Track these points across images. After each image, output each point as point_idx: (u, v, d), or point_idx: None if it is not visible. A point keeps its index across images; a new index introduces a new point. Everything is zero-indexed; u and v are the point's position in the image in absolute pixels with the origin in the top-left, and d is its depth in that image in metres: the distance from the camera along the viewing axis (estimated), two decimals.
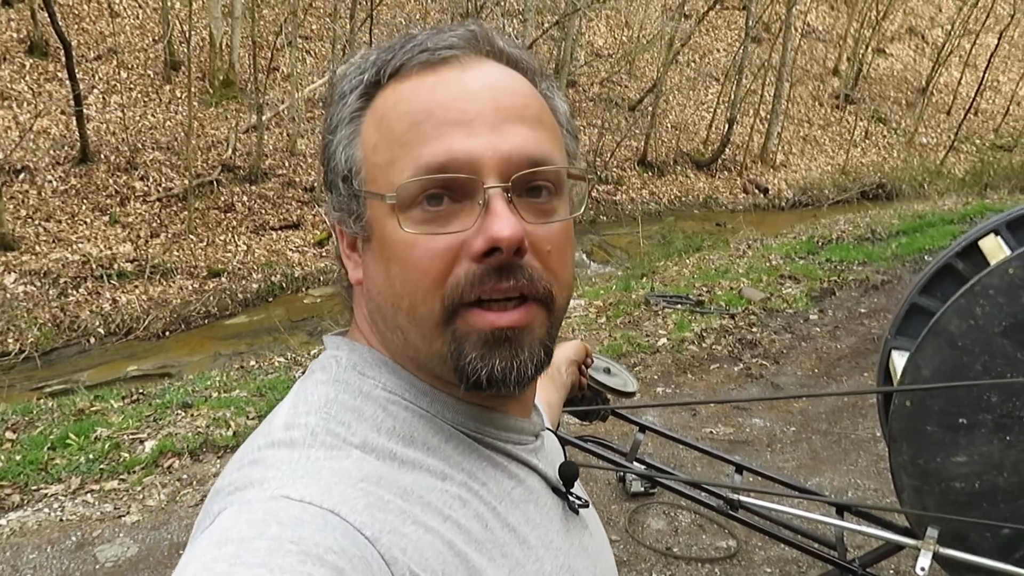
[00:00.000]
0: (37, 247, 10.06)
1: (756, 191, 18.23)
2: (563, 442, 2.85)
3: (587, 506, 0.73)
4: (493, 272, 0.56)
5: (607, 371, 2.36)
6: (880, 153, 21.54)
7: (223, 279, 10.41)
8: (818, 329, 6.66)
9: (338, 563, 0.45)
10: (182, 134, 12.15)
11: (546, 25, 16.81)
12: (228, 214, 11.81)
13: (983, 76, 22.89)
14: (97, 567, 3.36)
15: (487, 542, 0.57)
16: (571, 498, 0.71)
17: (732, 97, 18.48)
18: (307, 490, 0.51)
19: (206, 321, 9.79)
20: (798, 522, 3.10)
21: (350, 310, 0.70)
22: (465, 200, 0.57)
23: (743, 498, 2.62)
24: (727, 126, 18.18)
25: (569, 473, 0.71)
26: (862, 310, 7.17)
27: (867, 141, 21.89)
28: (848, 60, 23.94)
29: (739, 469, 3.01)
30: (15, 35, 13.25)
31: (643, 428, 3.06)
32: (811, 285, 7.79)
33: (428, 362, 0.61)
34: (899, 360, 2.55)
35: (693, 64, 21.86)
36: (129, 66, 13.85)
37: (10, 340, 8.52)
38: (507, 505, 0.61)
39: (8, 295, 9.19)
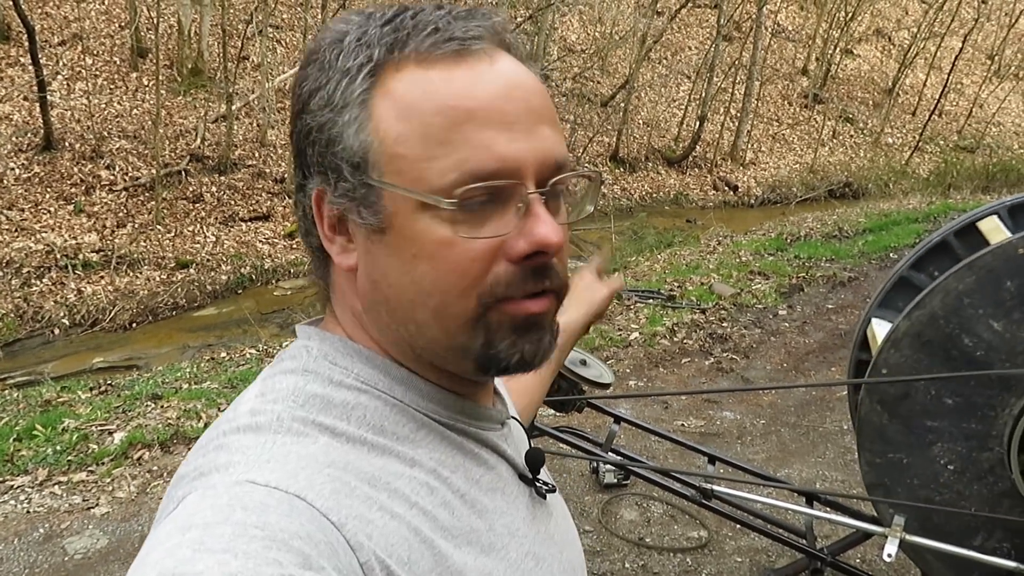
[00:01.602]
0: None
1: (726, 188, 18.41)
2: (539, 432, 2.88)
3: (554, 491, 0.73)
4: (531, 273, 0.58)
5: (583, 363, 2.38)
6: (847, 152, 21.88)
7: (191, 270, 10.27)
8: (787, 324, 6.76)
9: (304, 548, 0.45)
10: (149, 123, 11.95)
11: (519, 19, 16.80)
12: (197, 204, 11.65)
13: (947, 78, 23.35)
14: (66, 559, 3.31)
15: (454, 529, 0.57)
16: (538, 484, 0.71)
17: (703, 95, 18.64)
18: (273, 475, 0.50)
19: (174, 313, 9.65)
20: (769, 511, 3.16)
21: (325, 298, 0.67)
22: (501, 203, 0.57)
23: (715, 487, 2.66)
24: (698, 123, 18.34)
25: (535, 459, 0.71)
26: (830, 306, 7.29)
27: (835, 140, 22.21)
28: (817, 60, 24.26)
29: (712, 460, 3.06)
30: None
31: (618, 419, 3.10)
32: (780, 281, 7.91)
33: (442, 353, 0.60)
34: (879, 329, 2.61)
35: (665, 61, 22.00)
36: (95, 52, 13.57)
37: None
38: (475, 492, 0.62)
39: None
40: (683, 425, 4.75)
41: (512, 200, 0.57)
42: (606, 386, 2.51)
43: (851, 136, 22.81)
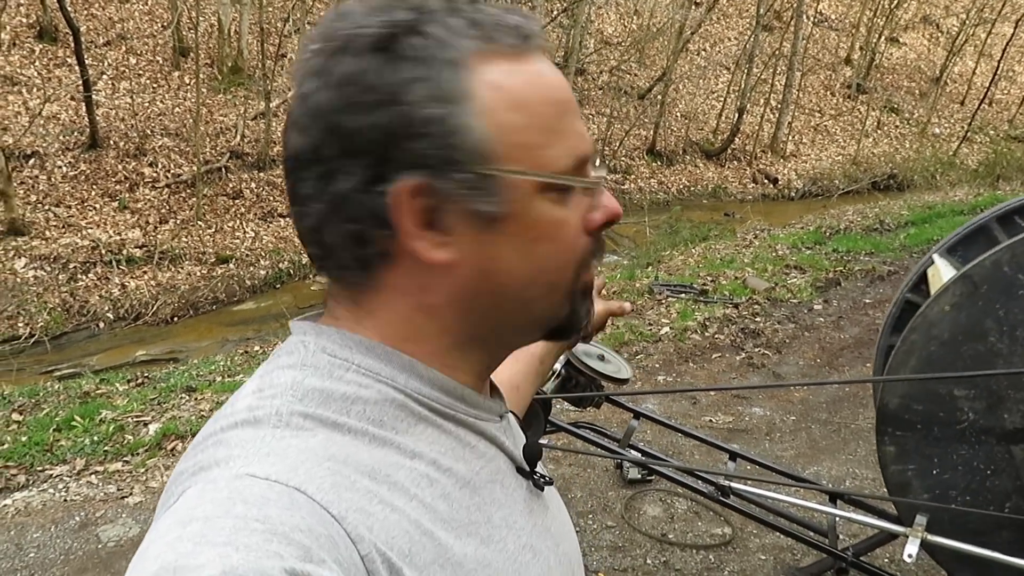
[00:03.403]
0: (47, 232, 10.15)
1: (765, 181, 18.16)
2: (557, 428, 2.86)
3: (551, 483, 0.74)
4: (599, 244, 0.67)
5: (601, 358, 2.36)
6: (892, 143, 21.40)
7: (231, 265, 10.48)
8: (822, 319, 6.65)
9: (304, 541, 0.45)
10: (191, 120, 12.19)
11: (555, 12, 16.74)
12: (236, 201, 11.86)
13: (998, 66, 22.69)
14: (99, 546, 3.41)
15: (453, 520, 0.57)
16: (535, 477, 0.71)
17: (742, 86, 18.38)
18: (273, 468, 0.50)
19: (214, 307, 9.86)
20: (793, 510, 3.12)
21: (350, 297, 0.64)
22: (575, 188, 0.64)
23: (734, 485, 2.64)
24: (737, 115, 18.10)
25: (533, 453, 0.71)
26: (867, 300, 7.15)
27: (879, 131, 21.74)
28: (861, 49, 23.74)
29: (733, 456, 3.03)
30: (24, 20, 13.31)
31: (637, 415, 3.08)
32: (816, 275, 7.78)
33: (529, 325, 0.67)
34: (945, 271, 2.57)
35: (703, 53, 21.74)
36: (138, 52, 13.89)
37: (20, 324, 8.62)
38: (474, 484, 0.62)
39: (19, 279, 9.28)
40: (711, 421, 4.71)
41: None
42: (624, 381, 2.48)
43: (896, 127, 22.30)
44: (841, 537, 3.08)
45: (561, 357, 2.20)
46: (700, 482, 2.73)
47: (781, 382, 5.31)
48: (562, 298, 0.65)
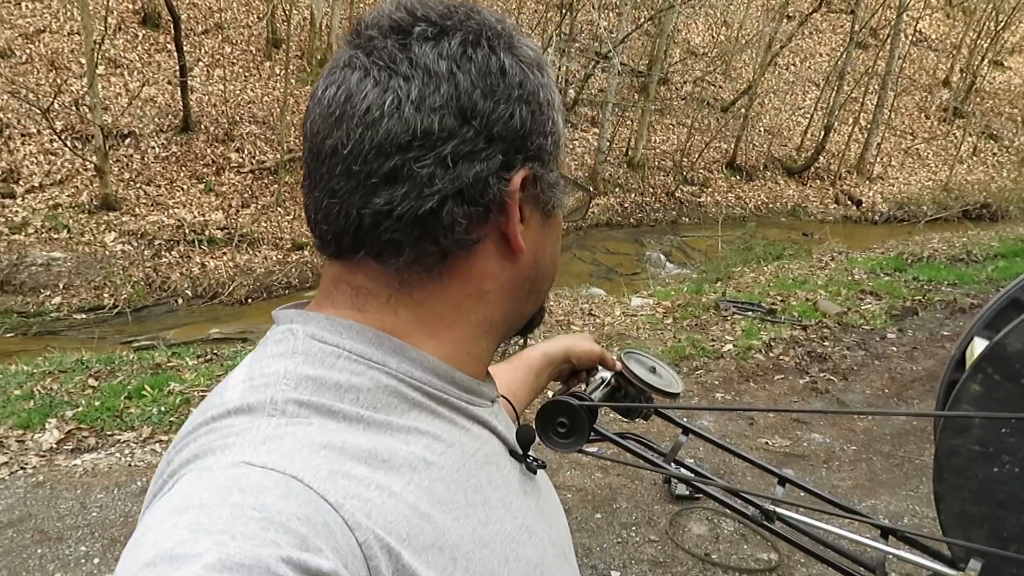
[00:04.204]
0: (137, 209, 10.62)
1: (848, 203, 17.61)
2: (601, 437, 2.87)
3: (543, 466, 0.74)
4: None
5: (652, 370, 2.34)
6: (988, 171, 20.46)
7: (305, 252, 10.75)
8: (894, 348, 6.41)
9: (301, 530, 0.45)
10: (277, 110, 12.57)
11: (641, 20, 16.62)
12: None
13: None
14: None
15: (451, 502, 0.58)
16: (528, 460, 0.72)
17: (831, 103, 17.87)
18: (269, 456, 0.50)
19: (286, 291, 10.14)
20: (842, 543, 3.02)
21: (397, 284, 0.62)
22: None
23: (779, 510, 2.57)
24: (823, 133, 17.60)
25: (526, 437, 0.72)
26: (945, 332, 6.86)
27: (974, 158, 20.82)
28: (961, 71, 22.79)
29: (782, 481, 2.96)
30: (131, 6, 13.97)
31: (686, 431, 3.04)
32: (893, 303, 7.50)
33: (531, 313, 0.72)
34: (980, 348, 2.44)
35: (792, 67, 21.23)
36: (233, 41, 14.41)
37: (105, 295, 9.05)
38: (470, 467, 0.62)
39: (108, 252, 9.75)
40: (767, 443, 4.60)
41: None
42: (675, 395, 2.46)
43: (994, 154, 21.32)
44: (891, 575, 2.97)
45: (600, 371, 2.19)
46: (746, 505, 2.68)
47: (844, 409, 5.14)
48: (545, 293, 0.73)
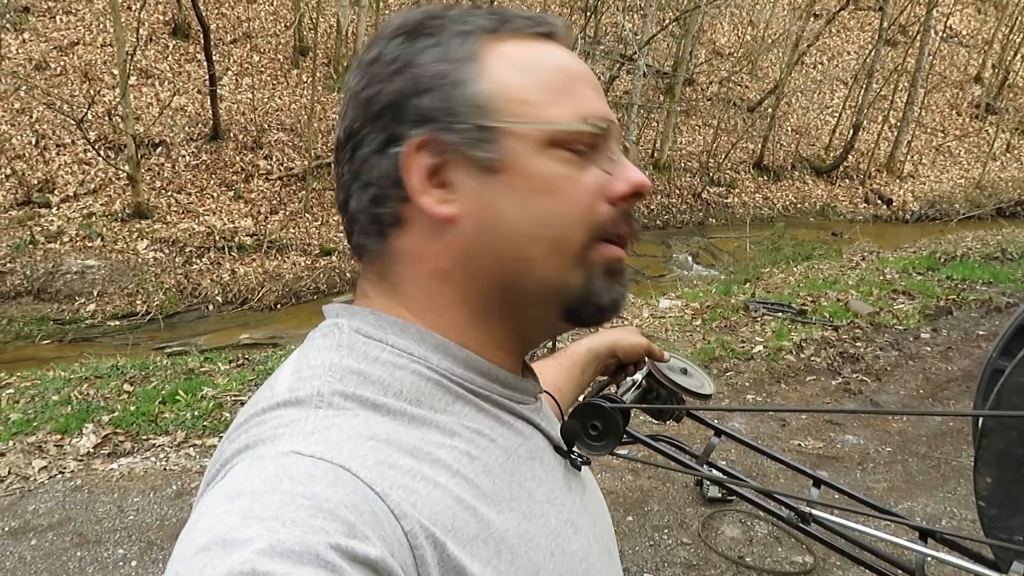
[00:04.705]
0: (168, 217, 10.78)
1: (879, 202, 17.38)
2: (633, 439, 2.85)
3: (588, 463, 0.75)
4: (624, 216, 0.65)
5: (684, 372, 2.33)
6: (1022, 168, 20.08)
7: (333, 258, 10.84)
8: (928, 349, 6.31)
9: (349, 518, 0.46)
10: (305, 117, 12.70)
11: (666, 20, 16.55)
12: None
13: None
14: None
15: (495, 496, 0.58)
16: (573, 456, 0.72)
17: (859, 102, 17.65)
18: (318, 446, 0.51)
19: (315, 297, 10.22)
20: (880, 545, 2.98)
21: (376, 272, 0.66)
22: (594, 154, 0.64)
23: (814, 512, 2.54)
24: (852, 132, 17.39)
25: (571, 433, 0.72)
26: (980, 332, 6.74)
27: (1008, 155, 20.46)
28: (993, 67, 22.41)
29: (817, 483, 2.93)
30: (161, 17, 14.20)
31: (719, 432, 3.02)
32: (926, 302, 7.39)
33: (540, 292, 0.64)
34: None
35: (820, 66, 21.01)
36: (261, 50, 14.58)
37: (138, 302, 9.20)
38: (514, 461, 0.63)
39: (140, 260, 9.91)
40: (800, 445, 4.55)
41: (603, 152, 0.65)
42: (707, 397, 2.44)
43: None
44: None
45: (643, 369, 2.19)
46: (780, 506, 2.65)
47: (879, 409, 5.07)
48: (570, 262, 0.63)
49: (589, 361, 1.17)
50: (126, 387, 4.90)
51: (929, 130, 20.32)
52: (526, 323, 0.67)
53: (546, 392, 0.81)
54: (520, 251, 0.62)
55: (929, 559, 2.92)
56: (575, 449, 0.73)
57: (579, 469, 0.74)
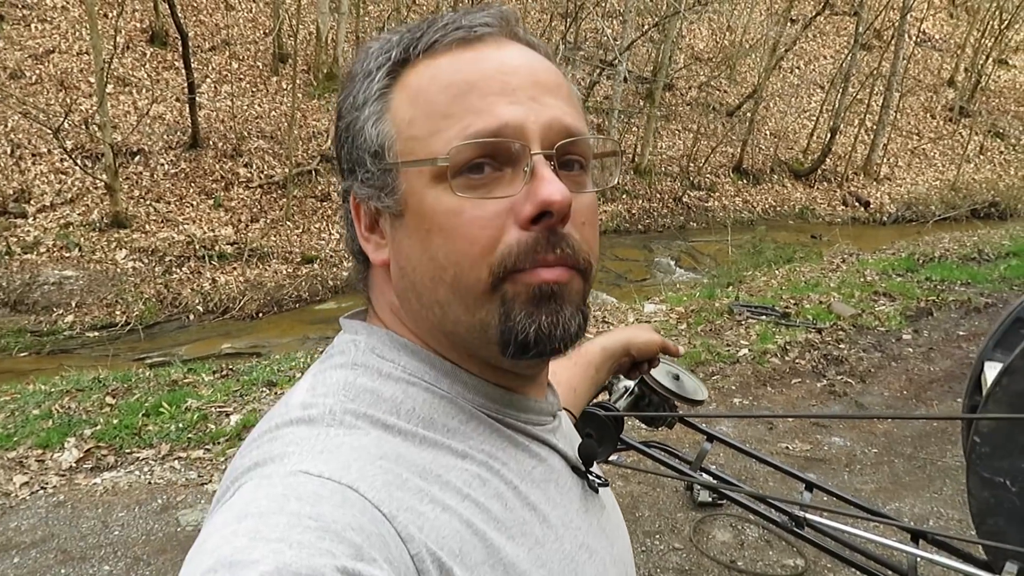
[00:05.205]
0: (147, 226, 10.66)
1: (856, 204, 17.56)
2: (627, 446, 2.85)
3: (606, 485, 0.73)
4: (543, 241, 0.57)
5: (675, 377, 2.33)
6: (995, 170, 20.41)
7: (316, 265, 10.77)
8: (911, 349, 6.37)
9: (355, 540, 0.46)
10: (285, 124, 12.63)
11: (646, 26, 16.65)
12: (324, 203, 12.21)
13: None
14: (178, 529, 3.55)
15: (507, 521, 0.57)
16: (591, 477, 0.71)
17: (836, 106, 17.85)
18: (326, 466, 0.51)
19: (297, 305, 10.15)
20: (871, 547, 2.99)
21: (367, 299, 0.69)
22: (507, 168, 0.58)
23: (808, 516, 2.55)
24: (829, 135, 17.58)
25: (588, 452, 0.71)
26: (961, 332, 6.82)
27: (981, 157, 20.77)
28: (966, 71, 22.76)
29: (809, 487, 2.93)
30: (139, 25, 14.06)
31: (711, 438, 3.02)
32: (907, 304, 7.46)
33: (468, 335, 0.60)
34: (991, 373, 2.42)
35: (797, 71, 21.22)
36: (240, 57, 14.48)
37: (118, 312, 9.07)
38: (528, 484, 0.61)
39: (119, 270, 9.78)
40: (787, 448, 4.57)
41: (519, 164, 0.58)
42: (699, 403, 2.44)
43: (1001, 152, 21.25)
44: None
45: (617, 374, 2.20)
46: (773, 511, 2.65)
47: (865, 412, 5.11)
48: (479, 301, 0.58)
49: (604, 360, 1.16)
50: (108, 400, 4.83)
51: (904, 133, 20.59)
52: (487, 361, 0.62)
53: (564, 409, 0.80)
54: (431, 295, 0.60)
55: (921, 560, 2.92)
56: (592, 470, 0.72)
57: (596, 491, 0.72)
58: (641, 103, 17.26)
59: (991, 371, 2.47)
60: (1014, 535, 2.23)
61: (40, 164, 10.97)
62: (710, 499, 3.85)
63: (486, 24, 0.61)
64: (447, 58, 0.60)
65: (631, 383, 2.25)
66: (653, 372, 2.15)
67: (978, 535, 2.36)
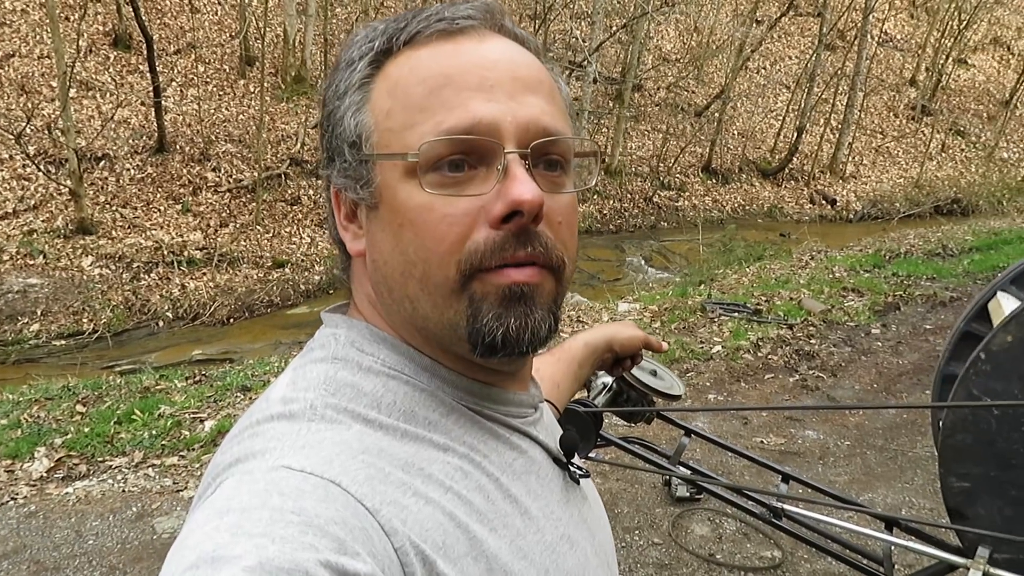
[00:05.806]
0: (113, 232, 10.49)
1: (823, 202, 17.82)
2: (606, 442, 2.85)
3: (587, 476, 0.73)
4: (512, 239, 0.56)
5: (653, 373, 2.35)
6: (957, 167, 20.82)
7: (287, 270, 10.68)
8: (880, 344, 6.49)
9: (339, 534, 0.46)
10: (254, 128, 12.50)
11: (614, 27, 16.75)
12: (294, 207, 12.11)
13: None
14: (155, 537, 3.50)
15: (489, 513, 0.57)
16: (572, 468, 0.71)
17: (802, 105, 18.11)
18: (308, 461, 0.50)
19: (269, 310, 10.05)
20: (846, 536, 3.04)
21: (348, 290, 0.69)
22: (482, 166, 0.57)
23: (786, 507, 2.58)
24: (796, 135, 17.83)
25: (569, 444, 0.71)
26: (927, 326, 6.95)
27: (943, 154, 21.18)
28: (927, 70, 23.20)
29: (786, 478, 2.97)
30: (101, 28, 13.84)
31: (689, 432, 3.05)
32: (875, 299, 7.60)
33: (438, 332, 0.60)
34: (1006, 303, 2.47)
35: (763, 71, 21.49)
36: (206, 60, 14.32)
37: (85, 320, 8.92)
38: (509, 476, 0.61)
39: (85, 277, 9.61)
40: (762, 442, 4.63)
41: (493, 163, 0.57)
42: (676, 398, 2.47)
43: (961, 150, 21.69)
44: (897, 567, 3.00)
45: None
46: (751, 503, 2.68)
47: (837, 404, 5.20)
48: (447, 299, 0.57)
49: (587, 356, 1.16)
50: (79, 408, 4.74)
51: (869, 132, 20.93)
52: (461, 356, 0.62)
53: (547, 400, 0.80)
54: (402, 290, 0.60)
55: (895, 548, 2.96)
56: (574, 461, 0.72)
57: (577, 483, 0.73)
58: (611, 104, 17.36)
59: (1005, 300, 2.52)
60: (985, 519, 2.28)
61: (2, 170, 10.75)
62: (688, 494, 3.88)
63: (469, 16, 0.60)
64: (427, 50, 0.59)
65: (609, 379, 2.27)
66: (631, 368, 2.17)
67: (951, 521, 2.42)
